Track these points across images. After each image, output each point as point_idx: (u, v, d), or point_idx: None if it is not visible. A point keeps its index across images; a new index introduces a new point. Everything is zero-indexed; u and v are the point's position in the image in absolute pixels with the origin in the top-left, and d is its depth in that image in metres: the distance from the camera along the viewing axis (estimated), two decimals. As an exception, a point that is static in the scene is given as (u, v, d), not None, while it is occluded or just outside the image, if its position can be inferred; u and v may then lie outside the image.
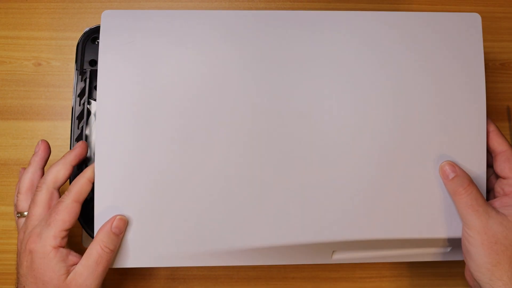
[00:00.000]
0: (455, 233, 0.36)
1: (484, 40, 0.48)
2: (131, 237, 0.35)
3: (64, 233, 0.34)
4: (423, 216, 0.37)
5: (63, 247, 0.34)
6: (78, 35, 0.42)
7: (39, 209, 0.35)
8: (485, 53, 0.47)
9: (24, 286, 0.34)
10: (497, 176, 0.37)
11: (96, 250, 0.34)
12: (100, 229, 0.34)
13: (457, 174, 0.35)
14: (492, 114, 0.47)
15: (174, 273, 0.44)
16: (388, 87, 0.37)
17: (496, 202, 0.35)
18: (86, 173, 0.35)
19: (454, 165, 0.36)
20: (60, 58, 0.46)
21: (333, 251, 0.38)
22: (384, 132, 0.37)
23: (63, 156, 0.36)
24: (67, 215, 0.34)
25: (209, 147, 0.36)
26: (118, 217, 0.35)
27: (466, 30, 0.37)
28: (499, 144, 0.37)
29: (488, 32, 0.48)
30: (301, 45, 0.37)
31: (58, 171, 0.35)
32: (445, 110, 0.37)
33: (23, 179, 0.37)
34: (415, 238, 0.37)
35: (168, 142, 0.36)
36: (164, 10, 0.38)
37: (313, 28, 0.37)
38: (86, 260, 0.34)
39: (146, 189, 0.36)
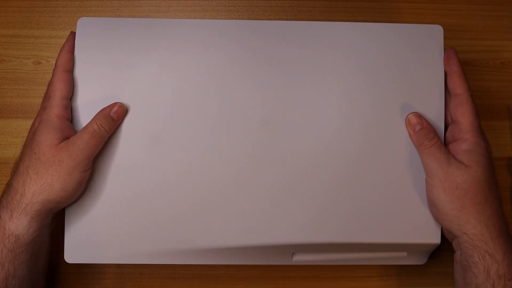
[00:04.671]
0: (411, 238, 0.38)
1: (485, 39, 0.48)
2: (100, 234, 0.37)
3: (65, 102, 0.37)
4: (381, 221, 0.38)
5: (68, 118, 0.37)
6: (78, 33, 0.42)
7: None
8: (485, 52, 0.48)
9: (19, 161, 0.36)
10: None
11: (92, 126, 0.36)
12: (99, 112, 0.37)
13: (423, 126, 0.37)
14: (493, 113, 0.47)
15: (174, 272, 0.44)
16: (357, 94, 0.39)
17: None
18: (64, 46, 0.38)
19: (420, 117, 0.37)
20: (60, 56, 0.46)
21: (293, 253, 0.39)
22: (343, 139, 0.38)
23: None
24: (61, 84, 0.37)
25: (175, 149, 0.38)
26: (118, 104, 0.37)
27: (429, 39, 0.39)
28: (457, 86, 0.37)
29: (489, 31, 0.48)
30: (268, 53, 0.39)
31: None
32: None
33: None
34: (372, 242, 0.38)
35: (135, 143, 0.38)
36: (139, 18, 0.40)
37: (287, 38, 0.39)
38: (81, 132, 0.36)
39: (115, 189, 0.37)
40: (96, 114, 0.37)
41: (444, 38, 0.45)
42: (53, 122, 0.36)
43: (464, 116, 0.36)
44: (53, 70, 0.38)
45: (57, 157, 0.35)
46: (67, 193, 0.35)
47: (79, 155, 0.35)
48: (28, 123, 0.45)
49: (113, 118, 0.37)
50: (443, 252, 0.43)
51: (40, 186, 0.34)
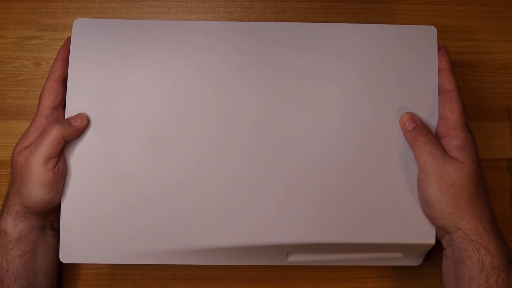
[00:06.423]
0: (406, 239, 0.38)
1: (485, 40, 0.48)
2: (96, 234, 0.37)
3: (47, 111, 0.38)
4: (375, 222, 0.38)
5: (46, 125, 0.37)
6: (78, 35, 0.42)
7: None
8: (485, 53, 0.48)
9: None
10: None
11: (45, 128, 0.36)
12: None
13: (417, 125, 0.37)
14: (492, 114, 0.47)
15: (174, 273, 0.44)
16: (351, 95, 0.39)
17: None
18: (58, 54, 0.39)
19: (414, 116, 0.38)
20: (60, 58, 0.46)
21: (288, 254, 0.39)
22: (338, 140, 0.38)
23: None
24: (46, 93, 0.38)
25: (171, 150, 0.38)
26: (79, 113, 0.38)
27: (423, 40, 0.39)
28: (447, 83, 0.38)
29: (489, 32, 0.48)
30: (266, 54, 0.39)
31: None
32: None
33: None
34: (367, 242, 0.38)
35: (132, 144, 0.38)
36: (136, 19, 0.40)
37: (285, 39, 0.39)
38: (37, 136, 0.36)
39: (112, 189, 0.37)
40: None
41: (445, 39, 0.46)
42: (28, 131, 0.37)
43: (453, 112, 0.37)
44: None
45: (17, 163, 0.36)
46: (30, 197, 0.36)
47: (31, 157, 0.35)
48: (28, 124, 0.45)
49: (71, 123, 0.37)
50: (438, 253, 0.43)
51: (14, 190, 0.37)
